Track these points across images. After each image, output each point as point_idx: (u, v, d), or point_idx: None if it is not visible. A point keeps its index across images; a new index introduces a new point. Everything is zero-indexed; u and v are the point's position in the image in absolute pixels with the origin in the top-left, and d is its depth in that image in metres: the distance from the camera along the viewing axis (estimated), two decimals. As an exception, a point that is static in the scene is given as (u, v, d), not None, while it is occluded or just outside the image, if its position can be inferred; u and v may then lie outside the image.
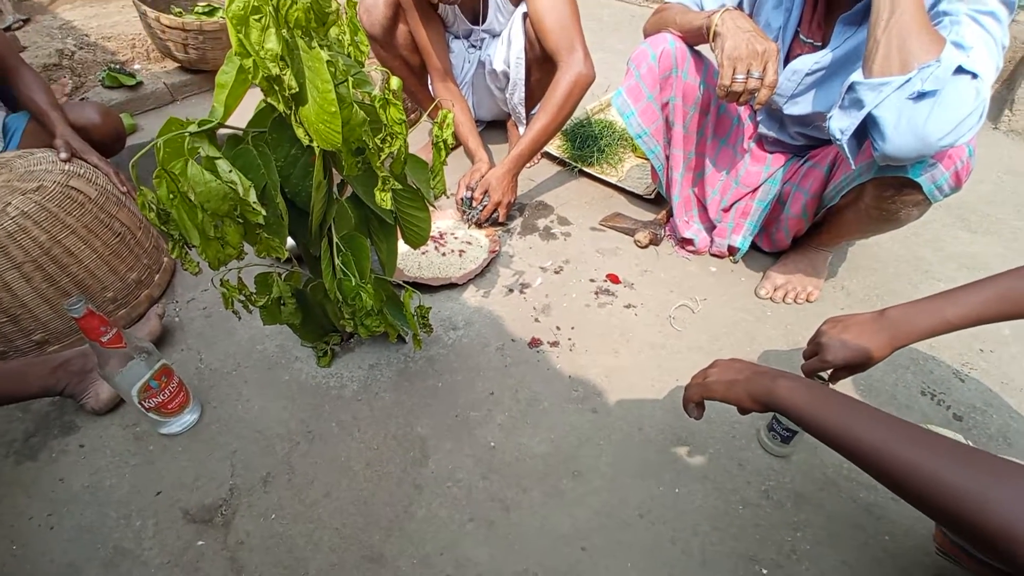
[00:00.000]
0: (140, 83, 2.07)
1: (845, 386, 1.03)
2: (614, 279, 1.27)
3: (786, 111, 1.06)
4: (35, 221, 1.02)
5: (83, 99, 2.06)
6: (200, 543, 0.81)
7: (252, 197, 0.66)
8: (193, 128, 0.64)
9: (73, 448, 0.95)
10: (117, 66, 2.08)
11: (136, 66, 2.19)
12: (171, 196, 0.64)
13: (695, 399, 0.72)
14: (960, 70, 0.70)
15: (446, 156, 0.88)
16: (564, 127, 1.67)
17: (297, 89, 0.62)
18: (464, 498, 0.87)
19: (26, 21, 2.24)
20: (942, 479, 0.45)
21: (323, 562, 0.79)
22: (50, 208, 1.05)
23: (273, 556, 0.80)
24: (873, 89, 0.75)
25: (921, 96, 0.71)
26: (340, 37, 0.72)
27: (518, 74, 1.48)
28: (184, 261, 0.71)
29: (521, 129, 1.64)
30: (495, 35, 1.51)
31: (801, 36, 1.02)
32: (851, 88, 0.78)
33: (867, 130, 0.79)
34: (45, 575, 0.79)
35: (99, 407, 0.97)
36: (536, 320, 1.18)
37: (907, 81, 0.72)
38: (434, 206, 0.95)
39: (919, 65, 0.72)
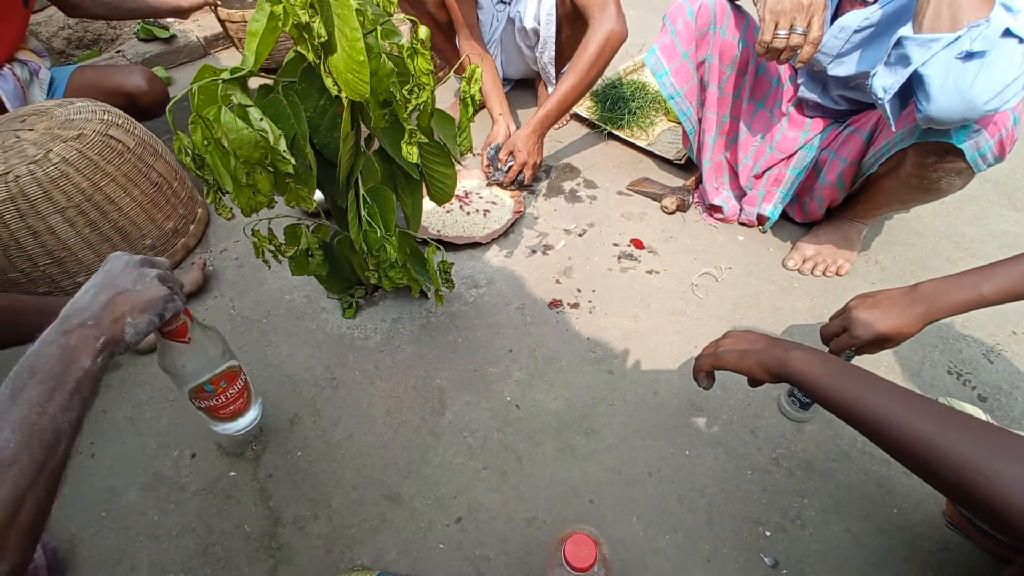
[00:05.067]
0: (173, 36, 2.09)
1: (871, 362, 1.02)
2: (638, 244, 1.26)
3: (830, 72, 1.01)
4: (76, 168, 1.07)
5: (119, 52, 2.10)
6: (232, 473, 0.87)
7: (282, 146, 0.67)
8: (226, 75, 0.65)
9: (116, 383, 1.01)
10: (151, 19, 2.09)
11: (170, 19, 2.20)
12: (205, 142, 0.65)
13: (706, 368, 0.72)
14: (1008, 33, 0.66)
15: (473, 113, 0.87)
16: (594, 88, 1.63)
17: (326, 37, 0.62)
18: (479, 448, 0.90)
19: (63, -27, 2.26)
20: (955, 453, 0.45)
21: (344, 498, 0.84)
22: (90, 156, 1.09)
23: (299, 489, 0.85)
24: (922, 45, 0.71)
25: (969, 56, 0.68)
26: (369, -14, 0.72)
27: (548, 31, 1.44)
28: (218, 206, 0.73)
29: (550, 89, 1.60)
30: (526, -10, 1.47)
31: (851, -9, 0.96)
32: (899, 43, 0.74)
33: (911, 90, 0.75)
34: (84, 499, 0.86)
35: (144, 347, 1.03)
36: (557, 282, 1.18)
37: (956, 39, 0.68)
38: (461, 163, 0.95)
39: (969, 23, 0.68)
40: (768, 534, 0.80)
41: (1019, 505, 0.40)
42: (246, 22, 1.89)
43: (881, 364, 1.02)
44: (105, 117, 1.15)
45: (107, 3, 1.48)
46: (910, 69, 0.73)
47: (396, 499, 0.84)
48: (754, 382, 0.68)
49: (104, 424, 0.95)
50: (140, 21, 2.06)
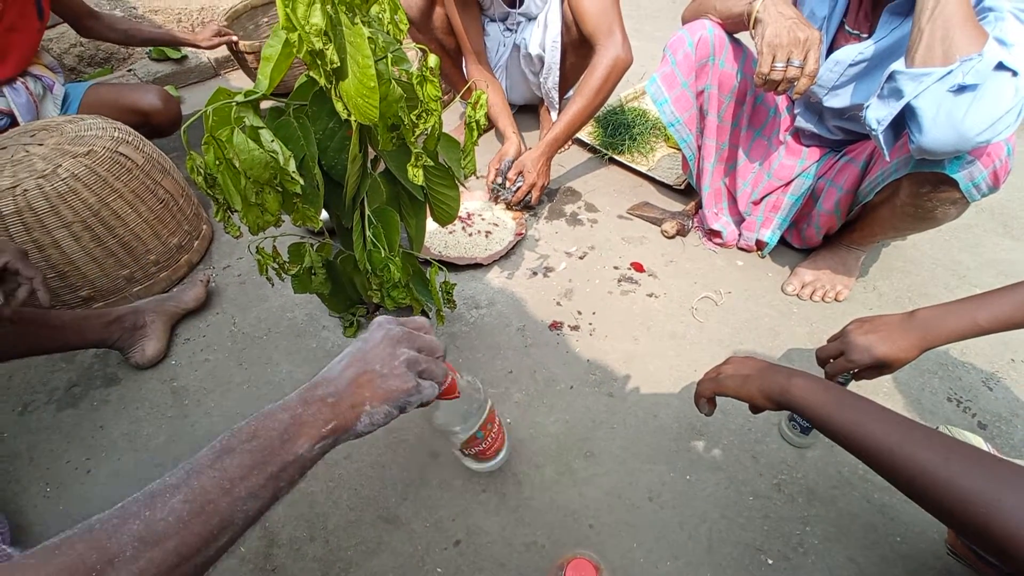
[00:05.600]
0: (185, 57, 2.13)
1: (871, 388, 1.02)
2: (638, 267, 1.27)
3: (826, 103, 1.04)
4: (85, 184, 1.08)
5: (130, 71, 2.14)
6: (229, 493, 0.86)
7: (291, 167, 0.68)
8: (240, 98, 0.67)
9: (114, 398, 1.01)
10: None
11: (182, 42, 2.25)
12: (217, 162, 0.67)
13: (707, 394, 0.72)
14: (1001, 66, 0.69)
15: (478, 137, 0.89)
16: (597, 113, 1.67)
17: (338, 64, 0.64)
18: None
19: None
20: (954, 483, 0.45)
21: (341, 519, 0.83)
22: (99, 172, 1.10)
23: (295, 510, 0.84)
24: (914, 79, 0.73)
25: (961, 89, 0.70)
26: (380, 15, 0.74)
27: (553, 58, 1.47)
28: (227, 224, 0.74)
29: (553, 115, 1.64)
30: (531, 18, 1.51)
31: (847, 27, 0.99)
32: (891, 77, 0.76)
33: (904, 122, 0.77)
34: (78, 516, 0.84)
35: (143, 362, 1.03)
36: (558, 304, 1.19)
37: (948, 73, 0.71)
38: (465, 186, 0.96)
39: (961, 57, 0.70)
40: (770, 562, 0.79)
41: (1019, 535, 0.40)
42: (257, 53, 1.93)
43: (881, 390, 1.02)
44: (115, 134, 1.17)
45: (122, 31, 1.52)
46: (903, 102, 0.75)
47: (393, 521, 0.83)
48: (755, 408, 0.67)
49: (101, 440, 0.95)
50: (152, 42, 2.10)
